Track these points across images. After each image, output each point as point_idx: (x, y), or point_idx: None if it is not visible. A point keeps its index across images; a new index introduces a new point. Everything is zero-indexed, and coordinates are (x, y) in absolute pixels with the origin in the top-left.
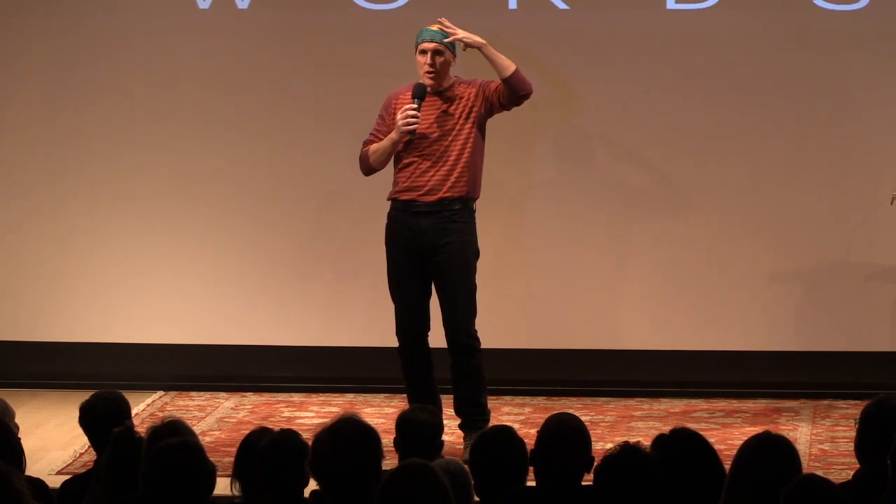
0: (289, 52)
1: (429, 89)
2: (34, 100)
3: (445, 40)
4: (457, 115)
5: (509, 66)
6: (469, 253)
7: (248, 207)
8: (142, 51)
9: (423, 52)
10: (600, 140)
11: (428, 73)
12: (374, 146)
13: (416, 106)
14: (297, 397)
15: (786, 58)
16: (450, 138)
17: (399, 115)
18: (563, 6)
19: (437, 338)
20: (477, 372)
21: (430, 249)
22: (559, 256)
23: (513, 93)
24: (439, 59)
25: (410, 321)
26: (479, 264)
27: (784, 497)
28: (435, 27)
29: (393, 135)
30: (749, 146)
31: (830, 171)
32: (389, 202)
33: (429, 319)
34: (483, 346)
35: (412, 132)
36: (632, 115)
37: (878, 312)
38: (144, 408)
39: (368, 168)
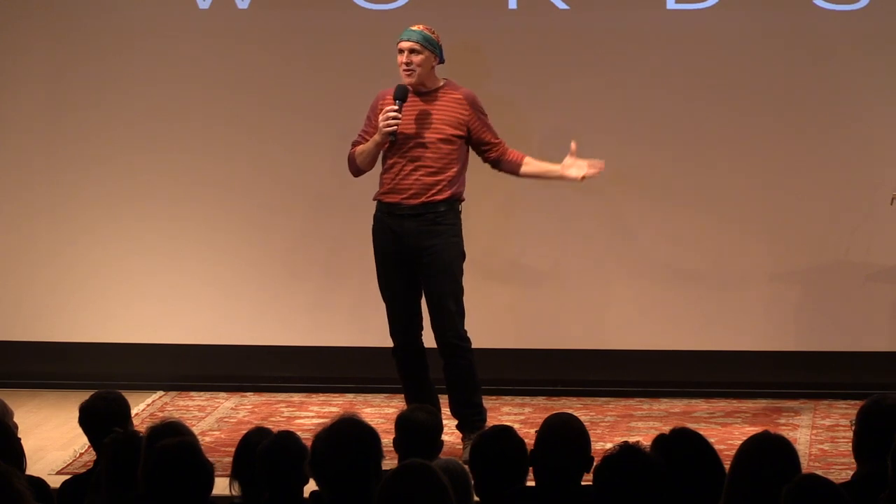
0: (289, 52)
1: (410, 89)
2: (34, 100)
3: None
4: (442, 120)
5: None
6: (454, 254)
7: (249, 207)
8: (142, 51)
9: (401, 50)
10: (599, 139)
11: (405, 70)
12: (359, 147)
13: (397, 107)
14: (297, 397)
15: (786, 58)
16: (434, 141)
17: (381, 117)
18: (563, 6)
19: (432, 339)
20: (469, 372)
21: (415, 251)
22: (555, 257)
23: (496, 168)
24: (416, 58)
25: (401, 322)
26: (472, 264)
27: (784, 497)
28: (417, 27)
29: (376, 136)
30: (749, 146)
31: (830, 171)
32: (375, 203)
33: (421, 320)
34: (486, 346)
35: (394, 134)
36: (631, 115)
37: (878, 312)
38: (144, 408)
39: (356, 169)
